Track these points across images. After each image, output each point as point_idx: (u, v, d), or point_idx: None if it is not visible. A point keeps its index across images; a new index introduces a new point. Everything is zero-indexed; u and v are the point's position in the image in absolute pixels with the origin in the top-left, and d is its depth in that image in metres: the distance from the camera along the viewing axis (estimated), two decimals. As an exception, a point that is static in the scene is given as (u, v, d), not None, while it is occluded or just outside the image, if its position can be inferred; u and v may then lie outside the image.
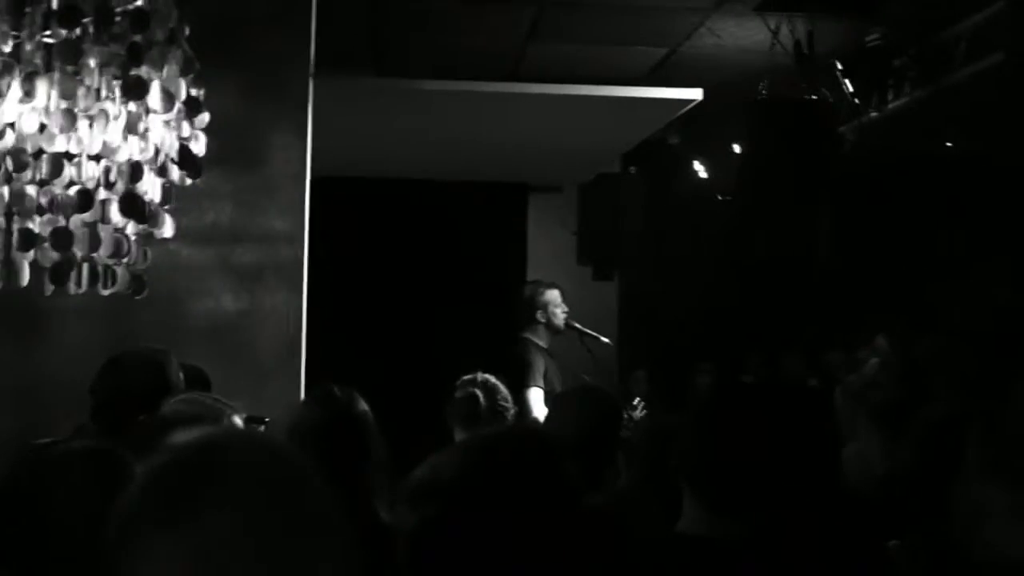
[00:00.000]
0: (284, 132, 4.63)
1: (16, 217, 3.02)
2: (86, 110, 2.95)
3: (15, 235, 3.02)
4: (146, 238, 3.34)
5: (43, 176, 2.98)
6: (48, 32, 2.94)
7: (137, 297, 3.37)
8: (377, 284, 8.60)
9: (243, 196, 4.60)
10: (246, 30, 4.57)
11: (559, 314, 5.47)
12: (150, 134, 3.10)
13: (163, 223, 3.30)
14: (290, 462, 1.15)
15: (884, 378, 5.31)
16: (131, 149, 3.06)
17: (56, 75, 2.91)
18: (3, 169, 2.98)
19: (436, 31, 6.67)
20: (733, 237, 9.33)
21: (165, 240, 3.44)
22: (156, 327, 4.24)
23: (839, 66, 6.86)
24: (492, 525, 1.41)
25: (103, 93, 2.99)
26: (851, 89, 6.93)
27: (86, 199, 3.01)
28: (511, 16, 6.39)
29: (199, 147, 3.33)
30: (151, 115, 3.09)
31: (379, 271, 8.67)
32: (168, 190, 3.31)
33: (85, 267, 3.15)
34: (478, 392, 3.85)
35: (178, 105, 3.14)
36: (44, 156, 2.97)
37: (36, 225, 3.04)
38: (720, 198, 8.90)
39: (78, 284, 3.15)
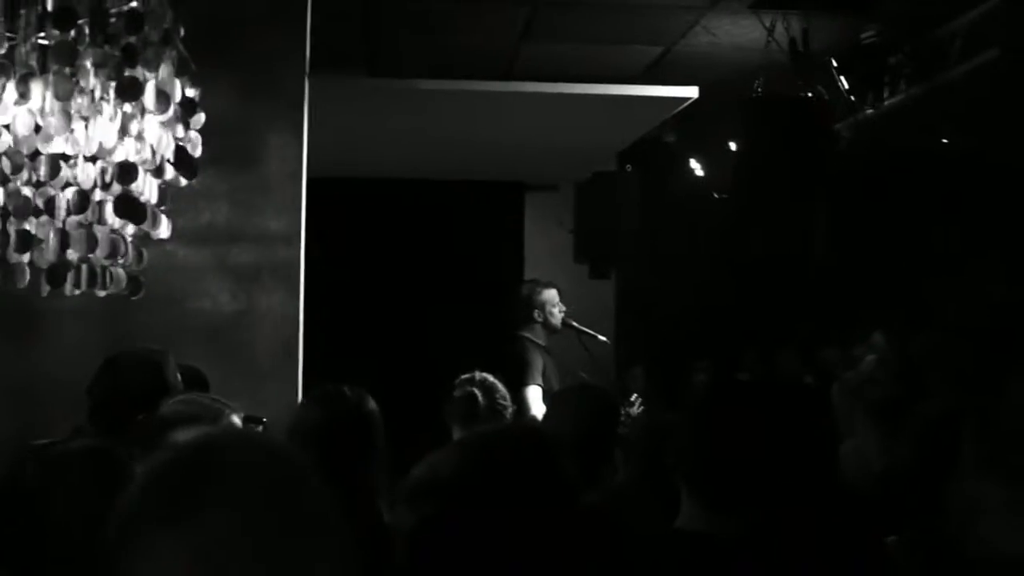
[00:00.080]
0: (280, 132, 4.63)
1: (12, 219, 3.02)
2: (79, 111, 2.95)
3: (12, 236, 3.02)
4: (142, 239, 3.34)
5: (40, 178, 2.98)
6: (43, 34, 2.94)
7: (134, 298, 3.37)
8: (374, 284, 8.60)
9: (239, 196, 4.59)
10: (241, 30, 4.56)
11: (556, 313, 5.49)
12: (146, 135, 3.10)
13: (159, 224, 3.30)
14: (288, 462, 1.15)
15: (881, 375, 5.30)
16: (127, 150, 3.05)
17: (51, 77, 2.91)
18: (-1, 171, 2.98)
19: (431, 30, 6.66)
20: (729, 235, 9.33)
21: (162, 241, 3.44)
22: (153, 328, 4.23)
23: (834, 63, 6.85)
24: (490, 522, 1.41)
25: (98, 94, 2.98)
26: (847, 86, 6.92)
27: (83, 200, 3.01)
28: (506, 15, 6.39)
29: (195, 148, 3.32)
30: (147, 116, 3.08)
31: (376, 271, 8.67)
32: (164, 191, 3.31)
33: (83, 268, 3.15)
34: (476, 391, 3.85)
35: (173, 106, 3.13)
36: (40, 158, 2.97)
37: (33, 227, 3.04)
38: (716, 196, 8.89)
39: (75, 285, 3.15)
